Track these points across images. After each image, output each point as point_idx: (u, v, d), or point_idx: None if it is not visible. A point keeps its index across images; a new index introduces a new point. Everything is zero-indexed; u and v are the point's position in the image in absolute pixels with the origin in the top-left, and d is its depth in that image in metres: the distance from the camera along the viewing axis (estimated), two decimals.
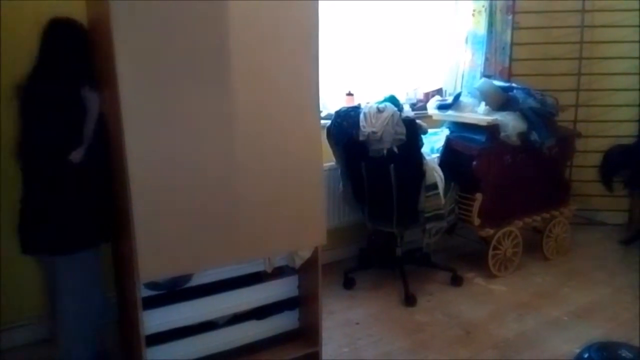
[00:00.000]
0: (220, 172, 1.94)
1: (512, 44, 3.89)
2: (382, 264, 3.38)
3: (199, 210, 1.92)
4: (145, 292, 2.02)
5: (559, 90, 3.78)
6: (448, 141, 3.32)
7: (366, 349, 2.61)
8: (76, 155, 1.95)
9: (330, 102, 3.39)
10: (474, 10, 3.74)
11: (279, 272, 2.40)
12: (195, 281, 2.16)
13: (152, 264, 1.86)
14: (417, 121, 2.90)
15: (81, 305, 2.10)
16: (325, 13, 2.97)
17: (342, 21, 3.39)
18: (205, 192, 1.92)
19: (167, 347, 2.14)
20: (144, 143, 1.78)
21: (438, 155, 3.26)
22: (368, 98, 3.34)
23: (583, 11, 3.96)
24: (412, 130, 2.83)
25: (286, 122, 2.04)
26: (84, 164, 1.98)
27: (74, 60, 2.01)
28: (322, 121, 2.40)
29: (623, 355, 2.04)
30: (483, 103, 3.34)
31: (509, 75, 3.90)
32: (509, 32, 3.85)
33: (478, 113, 3.32)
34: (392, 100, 2.97)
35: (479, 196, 3.23)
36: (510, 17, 3.83)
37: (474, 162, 3.22)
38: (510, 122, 3.22)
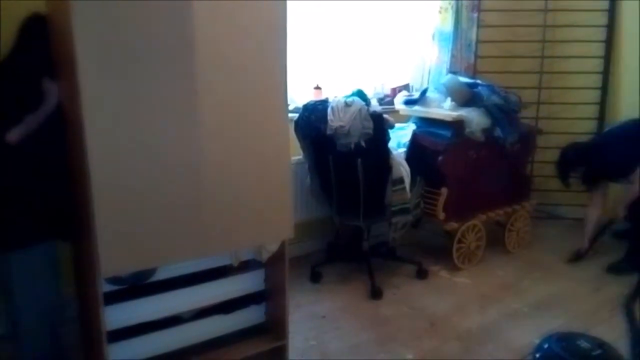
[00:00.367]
0: (186, 165, 1.91)
1: (478, 41, 3.95)
2: (348, 257, 3.39)
3: (162, 203, 1.88)
4: (107, 287, 1.97)
5: (522, 88, 3.87)
6: (414, 136, 3.36)
7: (333, 342, 2.62)
8: (12, 136, 1.88)
9: (298, 95, 3.37)
10: (440, 8, 3.79)
11: (245, 266, 2.38)
12: (159, 275, 2.12)
13: (114, 257, 1.81)
14: (385, 116, 2.91)
15: (34, 301, 2.05)
16: (294, 7, 2.95)
17: (311, 15, 3.38)
18: (169, 185, 1.88)
19: (130, 343, 2.09)
20: (105, 136, 1.73)
21: (404, 149, 3.29)
22: (336, 92, 3.34)
23: (545, 10, 4.05)
24: (380, 125, 2.84)
25: (254, 116, 2.02)
26: (34, 152, 1.93)
27: (43, 54, 2.00)
28: (290, 115, 2.39)
29: (582, 345, 2.10)
30: (449, 99, 3.39)
31: (474, 72, 3.96)
32: (474, 29, 3.91)
33: (444, 109, 3.37)
34: (360, 94, 2.97)
35: (444, 190, 3.28)
36: (475, 15, 3.89)
37: (440, 157, 3.27)
38: (475, 118, 3.28)
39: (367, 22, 3.64)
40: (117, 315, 2.02)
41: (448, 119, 3.28)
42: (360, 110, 2.81)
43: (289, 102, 2.15)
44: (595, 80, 4.05)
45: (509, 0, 4.05)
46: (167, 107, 1.84)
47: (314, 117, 2.94)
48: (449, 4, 3.75)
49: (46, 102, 1.94)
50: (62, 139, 2.03)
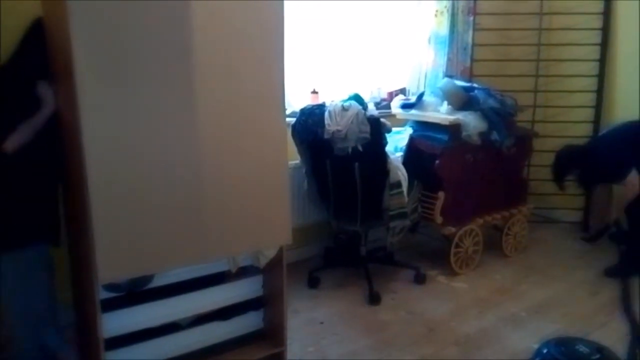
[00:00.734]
0: (183, 171, 1.89)
1: (474, 44, 3.96)
2: (346, 262, 3.38)
3: (160, 209, 1.87)
4: (104, 294, 1.96)
5: (518, 91, 3.87)
6: (411, 140, 3.36)
7: (331, 348, 2.60)
8: (9, 145, 1.88)
9: (295, 99, 3.37)
10: (436, 11, 3.79)
11: (243, 272, 2.36)
12: (157, 282, 2.10)
13: (111, 264, 1.80)
14: (382, 120, 2.90)
15: (22, 304, 2.05)
16: (291, 11, 2.95)
17: (308, 19, 3.38)
18: (167, 191, 1.87)
19: (128, 350, 2.07)
20: (103, 141, 1.72)
21: (401, 154, 3.29)
22: (333, 96, 3.34)
23: (541, 14, 4.06)
24: (377, 129, 2.84)
25: (251, 120, 2.01)
26: (26, 156, 1.93)
27: (41, 58, 2.00)
28: (287, 119, 2.38)
29: (580, 350, 2.10)
30: (445, 103, 3.39)
31: (470, 76, 3.96)
32: (470, 33, 3.91)
33: (440, 112, 3.37)
34: (357, 98, 2.98)
35: (441, 195, 3.28)
36: (471, 18, 3.89)
37: (437, 161, 3.26)
38: (472, 122, 3.28)
39: (363, 26, 3.64)
40: (114, 323, 2.01)
41: (445, 122, 3.28)
42: (357, 114, 2.80)
43: (286, 106, 2.14)
44: (591, 83, 4.06)
45: (504, 1, 4.06)
46: (165, 111, 1.83)
47: (311, 121, 2.93)
48: (445, 7, 3.76)
49: (43, 109, 1.93)
50: (56, 144, 2.02)
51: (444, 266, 3.41)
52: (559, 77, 4.15)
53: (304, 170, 3.17)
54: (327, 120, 2.84)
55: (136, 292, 2.08)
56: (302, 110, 3.03)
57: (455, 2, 3.75)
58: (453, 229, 3.32)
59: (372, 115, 2.87)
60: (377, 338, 2.69)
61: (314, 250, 3.50)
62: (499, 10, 4.06)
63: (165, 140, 1.84)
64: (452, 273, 3.38)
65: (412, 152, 3.32)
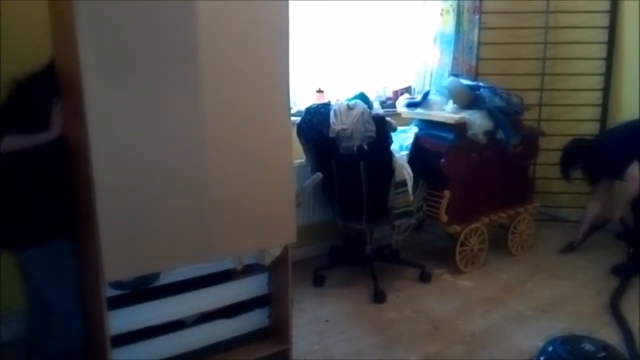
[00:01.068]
0: (189, 170, 1.90)
1: (479, 43, 3.95)
2: (351, 261, 3.39)
3: (166, 208, 1.88)
4: (110, 292, 1.97)
5: (524, 90, 3.86)
6: (417, 139, 3.35)
7: (336, 346, 2.61)
8: (6, 145, 1.94)
9: (300, 98, 3.37)
10: (442, 10, 3.79)
11: (249, 270, 2.37)
12: (163, 280, 2.12)
13: (117, 262, 1.81)
14: (387, 119, 2.91)
15: (64, 291, 2.19)
16: (296, 10, 2.95)
17: (313, 18, 3.38)
18: (173, 190, 1.88)
19: (134, 347, 2.09)
20: (109, 140, 1.73)
21: (407, 152, 3.29)
22: (338, 95, 3.34)
23: (547, 12, 4.05)
24: (382, 128, 2.84)
25: (256, 119, 2.01)
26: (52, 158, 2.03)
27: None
28: (292, 118, 2.38)
29: (586, 348, 2.11)
30: (451, 101, 3.38)
31: (475, 74, 3.96)
32: (476, 31, 3.90)
33: (446, 111, 3.36)
34: (362, 97, 2.98)
35: (446, 193, 3.27)
36: (477, 17, 3.88)
37: (442, 160, 3.26)
38: (477, 121, 3.27)
39: (368, 25, 3.64)
40: (120, 320, 2.02)
41: (450, 121, 3.28)
42: (362, 113, 2.81)
43: (291, 105, 2.14)
44: (598, 81, 4.04)
45: (510, 1, 4.05)
46: (170, 111, 1.83)
47: (316, 120, 2.94)
48: (451, 6, 3.75)
49: (48, 132, 2.00)
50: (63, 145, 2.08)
51: (450, 265, 3.41)
52: (565, 76, 4.13)
53: (309, 169, 3.18)
54: (332, 119, 2.85)
55: (142, 290, 2.09)
56: (308, 109, 3.03)
57: (461, 1, 3.74)
58: (458, 228, 3.32)
59: (377, 114, 2.87)
60: (383, 336, 2.69)
61: (320, 248, 3.50)
62: (505, 9, 4.04)
63: (170, 139, 1.85)
64: (457, 271, 3.37)
65: (418, 150, 3.31)
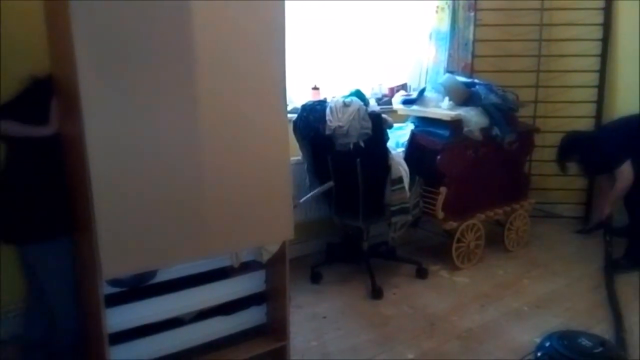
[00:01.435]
0: (186, 167, 1.90)
1: (475, 40, 3.96)
2: (348, 258, 3.39)
3: (163, 205, 1.87)
4: (108, 289, 1.97)
5: (519, 87, 3.87)
6: (413, 136, 3.36)
7: (333, 342, 2.61)
8: (6, 128, 1.97)
9: (297, 96, 3.37)
10: (437, 7, 3.80)
11: (246, 267, 2.37)
12: (160, 277, 2.11)
13: (115, 260, 1.80)
14: (383, 116, 2.91)
15: (61, 291, 2.20)
16: (292, 8, 2.95)
17: (309, 16, 3.38)
18: (170, 187, 1.88)
19: (131, 345, 2.08)
20: (105, 137, 1.73)
21: (403, 149, 3.30)
22: (334, 92, 3.34)
23: (542, 9, 4.06)
24: (378, 125, 2.84)
25: (253, 117, 2.01)
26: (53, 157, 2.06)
27: None
28: (289, 115, 2.39)
29: (583, 343, 2.12)
30: (447, 98, 3.39)
31: (471, 71, 3.97)
32: (471, 29, 3.92)
33: (442, 108, 3.37)
34: (358, 94, 2.98)
35: (443, 190, 3.28)
36: (472, 14, 3.90)
37: (438, 157, 3.27)
38: (473, 118, 3.28)
39: (364, 22, 3.64)
40: (118, 318, 2.02)
41: (446, 118, 3.28)
42: (358, 110, 2.81)
43: (287, 102, 2.14)
44: (592, 78, 4.06)
45: None
46: (166, 108, 1.83)
47: (312, 117, 2.94)
48: (446, 3, 3.76)
49: (45, 128, 2.02)
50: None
51: (446, 261, 3.42)
52: (560, 73, 4.15)
53: (305, 166, 3.18)
54: (328, 117, 2.85)
55: (140, 288, 2.09)
56: (304, 107, 3.03)
57: None
58: (455, 224, 3.33)
59: (373, 111, 2.87)
60: (380, 332, 2.70)
61: (316, 245, 3.51)
62: (500, 6, 4.06)
63: (167, 136, 1.85)
64: (454, 268, 3.39)
65: (414, 147, 3.32)
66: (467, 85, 3.48)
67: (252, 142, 2.02)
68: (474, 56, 4.00)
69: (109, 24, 1.68)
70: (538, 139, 3.86)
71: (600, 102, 4.07)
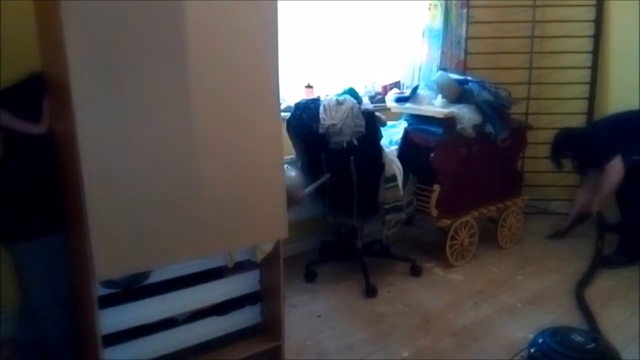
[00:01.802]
0: (179, 166, 1.89)
1: (467, 37, 3.97)
2: (342, 256, 3.39)
3: (156, 205, 1.86)
4: (101, 291, 1.95)
5: (512, 84, 3.88)
6: (406, 133, 3.36)
7: (328, 341, 2.62)
8: None
9: (290, 94, 3.36)
10: (430, 5, 3.80)
11: (240, 267, 2.36)
12: (154, 278, 2.10)
13: (108, 261, 1.79)
14: (376, 114, 2.91)
15: (49, 290, 2.17)
16: (284, 6, 2.94)
17: (301, 14, 3.37)
18: (163, 186, 1.87)
19: (125, 346, 2.07)
20: (98, 136, 1.71)
21: (396, 147, 3.29)
22: (327, 90, 3.33)
23: (534, 6, 4.07)
24: (371, 123, 2.84)
25: (246, 115, 2.00)
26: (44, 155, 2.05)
27: None
28: (282, 114, 2.38)
29: (575, 339, 2.12)
30: (440, 96, 3.39)
31: (464, 69, 3.97)
32: (464, 26, 3.92)
33: (435, 106, 3.37)
34: (352, 92, 2.97)
35: (436, 187, 3.29)
36: (465, 11, 3.90)
37: (432, 154, 3.27)
38: (466, 115, 3.29)
39: (357, 20, 3.63)
40: (112, 319, 2.01)
41: (439, 115, 3.29)
42: (352, 108, 2.80)
43: (280, 101, 2.14)
44: (584, 75, 4.08)
45: None
46: (160, 108, 1.82)
47: (305, 115, 2.93)
48: (439, 1, 3.76)
49: (37, 125, 2.03)
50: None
51: (440, 258, 3.43)
52: (553, 70, 4.17)
53: (299, 165, 3.17)
54: (322, 115, 2.84)
55: (133, 289, 2.08)
56: (297, 105, 3.02)
57: None
58: (448, 222, 3.34)
59: (366, 109, 2.87)
60: (374, 330, 2.71)
61: (311, 244, 3.51)
62: (493, 3, 4.06)
63: (160, 136, 1.83)
64: (447, 265, 3.39)
65: (407, 145, 3.32)
66: (460, 82, 3.48)
67: (246, 140, 2.01)
68: (466, 53, 4.00)
69: (100, 22, 1.66)
70: (531, 136, 3.87)
71: (592, 98, 4.08)
